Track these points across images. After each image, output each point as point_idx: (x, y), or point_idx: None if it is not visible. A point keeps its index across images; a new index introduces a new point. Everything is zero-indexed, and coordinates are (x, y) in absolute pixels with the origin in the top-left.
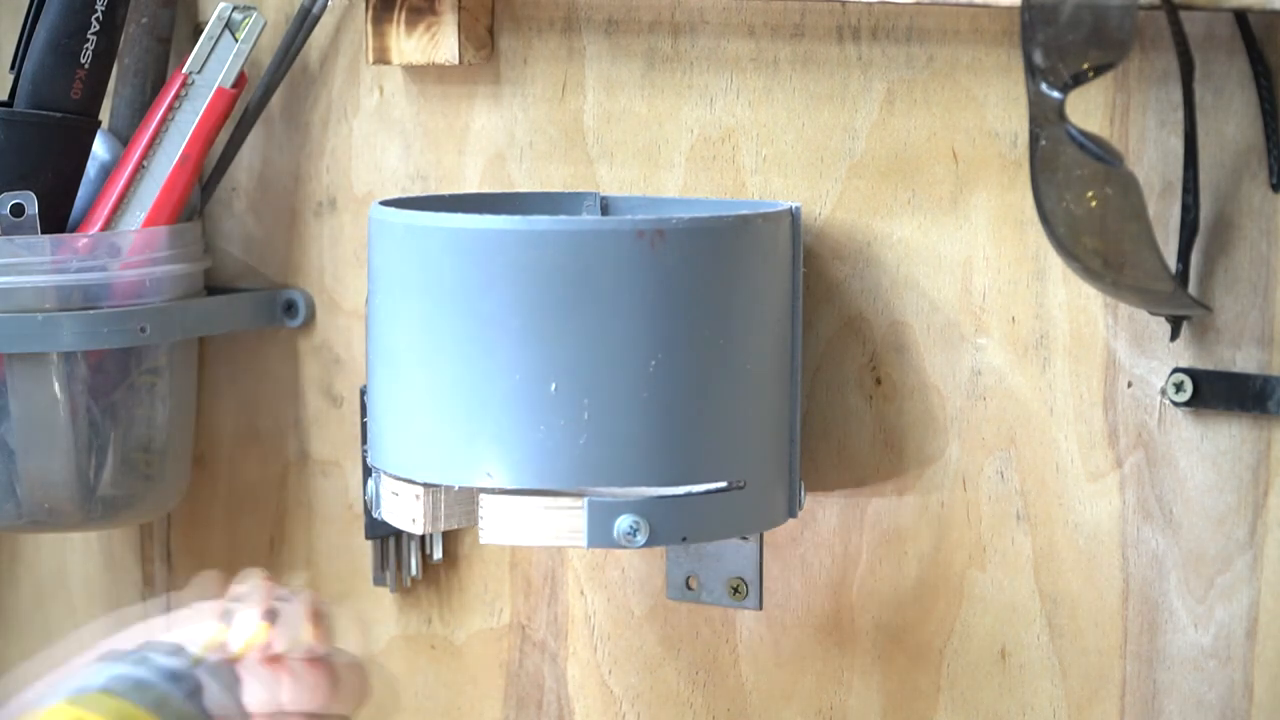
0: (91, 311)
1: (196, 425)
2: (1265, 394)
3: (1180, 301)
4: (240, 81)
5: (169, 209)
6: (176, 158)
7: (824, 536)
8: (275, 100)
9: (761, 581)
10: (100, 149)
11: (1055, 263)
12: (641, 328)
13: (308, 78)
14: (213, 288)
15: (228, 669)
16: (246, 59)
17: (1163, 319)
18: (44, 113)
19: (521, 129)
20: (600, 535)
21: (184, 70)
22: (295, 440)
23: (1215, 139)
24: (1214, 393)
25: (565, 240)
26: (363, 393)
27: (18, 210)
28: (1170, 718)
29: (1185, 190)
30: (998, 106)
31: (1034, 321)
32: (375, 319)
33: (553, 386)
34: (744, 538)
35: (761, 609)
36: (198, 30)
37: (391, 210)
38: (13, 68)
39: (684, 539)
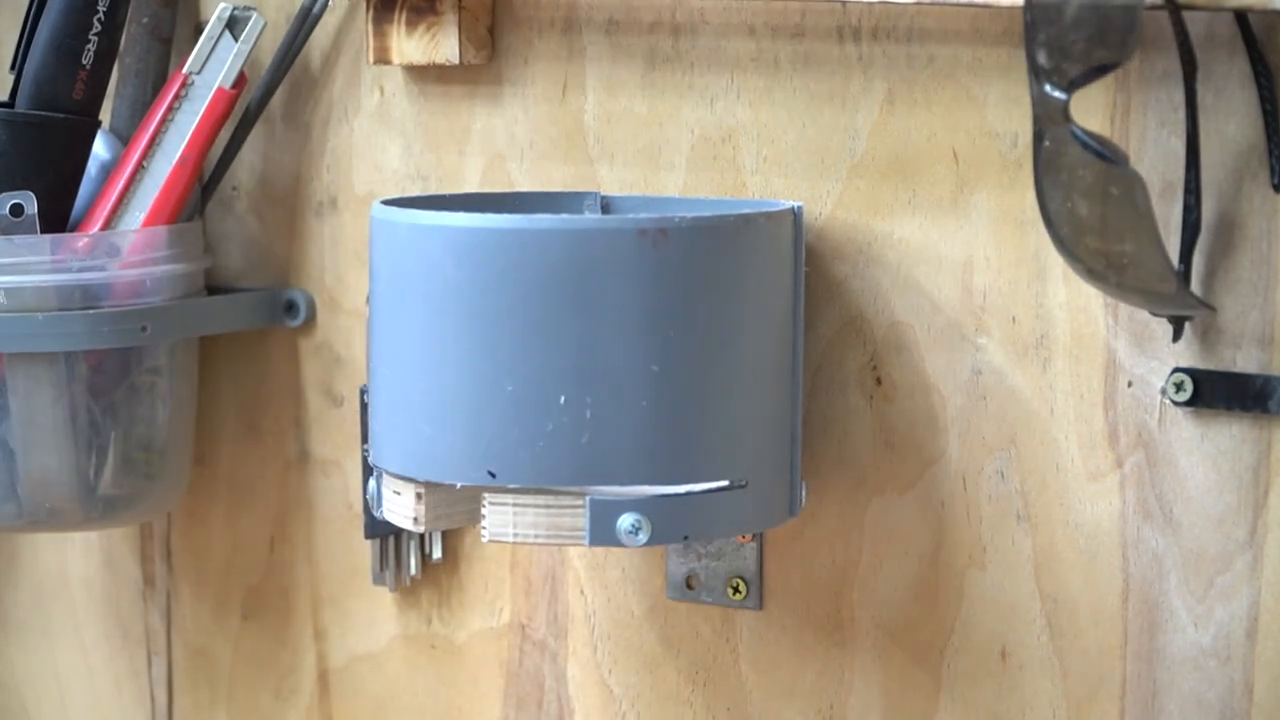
0: (91, 311)
1: (196, 425)
2: (1265, 394)
3: (1184, 302)
4: (240, 82)
5: (169, 209)
6: (176, 158)
7: (824, 536)
8: (276, 100)
9: (761, 581)
10: (101, 149)
11: (1056, 263)
12: (643, 327)
13: (308, 78)
14: (213, 288)
15: None
16: (246, 59)
17: (1163, 319)
18: (45, 113)
19: (522, 129)
20: (602, 534)
21: (184, 70)
22: (295, 440)
23: (1216, 139)
24: (1214, 393)
25: (567, 239)
26: (363, 392)
27: (17, 210)
28: (1170, 718)
29: (1187, 191)
30: (998, 106)
31: (1034, 321)
32: (376, 318)
33: (554, 385)
34: (744, 537)
35: (761, 608)
36: (198, 30)
37: (393, 209)
38: (13, 68)
39: (685, 537)
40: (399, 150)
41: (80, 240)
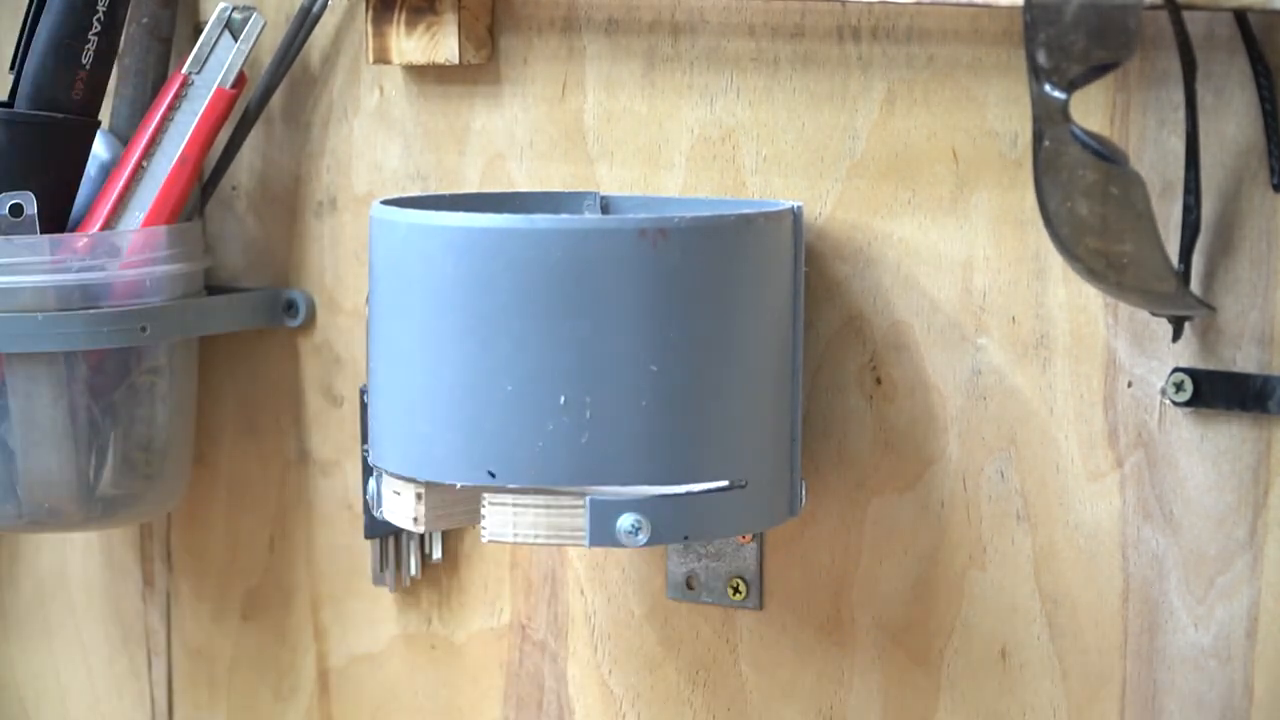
0: (91, 311)
1: (196, 425)
2: (1265, 394)
3: (1184, 302)
4: (240, 82)
5: (168, 209)
6: (176, 158)
7: (824, 536)
8: (275, 100)
9: (761, 581)
10: (100, 149)
11: (1055, 262)
12: (643, 327)
13: (308, 78)
14: (213, 288)
15: None
16: (246, 59)
17: (1163, 319)
18: (45, 114)
19: (522, 129)
20: (602, 534)
21: (183, 70)
22: (295, 440)
23: (1215, 139)
24: (1214, 393)
25: (567, 239)
26: (363, 392)
27: (17, 210)
28: (1170, 718)
29: (1187, 191)
30: (998, 106)
31: (1034, 321)
32: (376, 318)
33: (554, 385)
34: (744, 537)
35: (762, 608)
36: (198, 30)
37: (393, 209)
38: (13, 68)
39: (685, 538)
40: (399, 150)
41: (80, 240)
